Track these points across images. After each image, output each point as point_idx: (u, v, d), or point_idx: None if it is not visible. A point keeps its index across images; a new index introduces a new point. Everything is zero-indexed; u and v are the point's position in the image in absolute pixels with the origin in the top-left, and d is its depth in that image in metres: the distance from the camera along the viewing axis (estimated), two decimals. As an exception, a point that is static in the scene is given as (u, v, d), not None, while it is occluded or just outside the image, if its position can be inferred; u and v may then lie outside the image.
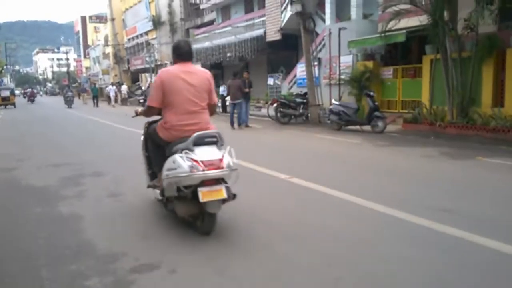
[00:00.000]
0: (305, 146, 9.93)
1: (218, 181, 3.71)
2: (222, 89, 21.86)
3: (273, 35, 20.55)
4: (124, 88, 34.02)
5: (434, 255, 3.39)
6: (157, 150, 4.29)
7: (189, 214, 3.90)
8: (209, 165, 3.65)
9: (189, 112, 3.99)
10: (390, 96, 14.68)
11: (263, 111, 19.26)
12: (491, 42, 11.10)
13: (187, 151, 3.71)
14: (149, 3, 37.92)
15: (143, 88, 32.64)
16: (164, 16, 35.33)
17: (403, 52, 15.79)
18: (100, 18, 66.62)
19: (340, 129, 12.64)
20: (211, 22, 30.52)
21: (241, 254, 3.47)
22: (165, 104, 4.01)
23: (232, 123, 13.47)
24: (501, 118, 10.27)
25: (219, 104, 22.26)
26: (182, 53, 4.09)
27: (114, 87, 32.41)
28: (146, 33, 39.78)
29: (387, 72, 14.77)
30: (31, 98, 38.97)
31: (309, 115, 15.04)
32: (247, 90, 13.72)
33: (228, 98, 21.16)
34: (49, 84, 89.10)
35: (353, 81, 14.82)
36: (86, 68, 66.69)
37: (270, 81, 20.58)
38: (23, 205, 5.16)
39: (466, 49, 11.61)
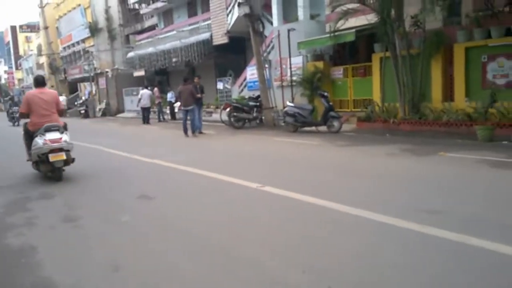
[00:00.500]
0: (266, 150, 9.64)
1: (61, 150, 6.67)
2: (170, 96, 21.16)
3: (219, 39, 20.17)
4: (63, 99, 32.20)
5: (430, 260, 3.21)
6: (30, 138, 6.99)
7: (47, 170, 6.94)
8: (53, 141, 6.60)
9: (43, 115, 6.89)
10: (341, 96, 14.77)
11: (215, 116, 18.81)
12: (438, 38, 11.40)
13: (41, 135, 6.67)
14: (85, 9, 36.22)
15: (83, 98, 31.03)
16: (102, 23, 33.80)
17: (351, 52, 15.97)
18: (32, 27, 62.88)
19: (296, 131, 12.51)
20: (152, 28, 29.58)
21: (227, 274, 3.10)
22: (30, 111, 6.95)
23: (185, 131, 12.91)
24: (452, 112, 10.55)
25: (168, 112, 21.57)
26: (38, 83, 7.27)
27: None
28: (83, 40, 37.92)
29: (337, 72, 14.86)
30: None
31: (263, 118, 14.82)
32: (199, 95, 13.24)
33: (176, 105, 20.62)
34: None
35: (305, 82, 14.77)
36: (19, 79, 62.72)
37: (220, 85, 20.18)
38: (-37, 240, 4.46)
39: (414, 46, 11.86)
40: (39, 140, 6.59)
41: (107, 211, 5.15)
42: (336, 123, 11.76)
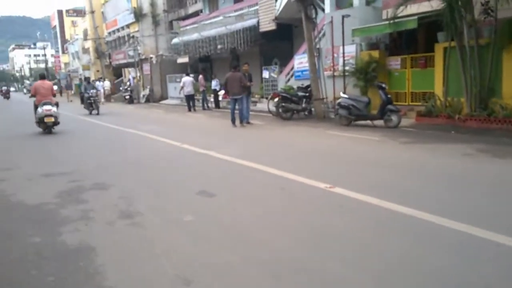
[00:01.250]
0: (323, 145, 9.05)
1: (51, 116, 11.85)
2: (215, 83, 20.76)
3: (267, 25, 19.54)
4: (107, 84, 32.63)
5: None
6: (35, 108, 12.17)
7: (44, 127, 12.01)
8: (47, 110, 11.80)
9: (43, 95, 12.16)
10: (398, 88, 13.88)
11: (259, 105, 18.36)
12: (511, 28, 10.39)
13: (41, 106, 11.87)
14: (130, -6, 36.36)
15: (128, 83, 31.20)
16: (146, 8, 33.83)
17: (408, 41, 15.04)
18: (78, 12, 64.17)
19: (349, 124, 11.80)
20: (196, 14, 29.28)
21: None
22: (36, 93, 12.23)
23: (233, 120, 12.46)
24: (527, 109, 9.60)
25: (212, 100, 21.22)
26: (42, 76, 13.10)
27: (102, 83, 30.89)
28: (128, 26, 38.09)
29: (395, 62, 13.97)
30: (7, 95, 46.21)
31: (312, 109, 14.19)
32: (249, 84, 12.75)
33: (221, 93, 20.23)
34: (27, 81, 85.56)
35: (358, 72, 13.98)
36: (65, 63, 64.34)
37: (265, 74, 19.59)
38: (17, 232, 4.19)
39: (484, 36, 10.90)
40: (39, 109, 11.82)
41: (166, 207, 4.78)
42: (394, 117, 10.99)
